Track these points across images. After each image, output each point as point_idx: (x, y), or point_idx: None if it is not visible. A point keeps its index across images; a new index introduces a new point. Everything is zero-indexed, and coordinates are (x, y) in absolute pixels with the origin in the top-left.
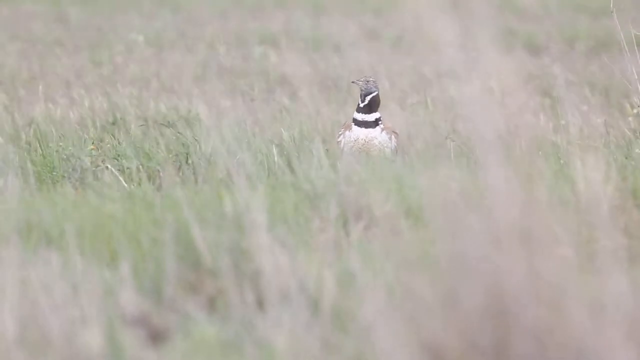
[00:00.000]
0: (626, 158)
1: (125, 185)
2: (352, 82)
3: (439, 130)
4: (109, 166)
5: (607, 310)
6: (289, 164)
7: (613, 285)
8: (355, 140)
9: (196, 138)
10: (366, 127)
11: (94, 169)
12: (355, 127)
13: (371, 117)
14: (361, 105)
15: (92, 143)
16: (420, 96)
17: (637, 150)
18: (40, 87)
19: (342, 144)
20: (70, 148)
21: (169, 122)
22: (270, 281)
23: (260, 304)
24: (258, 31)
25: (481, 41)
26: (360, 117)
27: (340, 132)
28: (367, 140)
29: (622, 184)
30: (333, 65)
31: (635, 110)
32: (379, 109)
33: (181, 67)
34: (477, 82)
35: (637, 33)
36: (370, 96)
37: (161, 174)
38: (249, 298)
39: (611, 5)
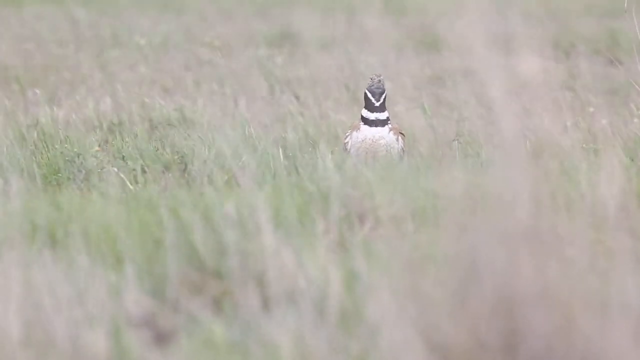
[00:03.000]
0: (632, 160)
1: (130, 186)
2: (378, 79)
3: (445, 132)
4: (114, 168)
5: (614, 311)
6: (295, 166)
7: (620, 287)
8: (362, 140)
9: (201, 139)
10: (377, 126)
11: (99, 170)
12: (363, 127)
13: (384, 115)
14: (377, 104)
15: (98, 145)
16: (426, 97)
17: None
18: (45, 88)
19: (349, 145)
20: (75, 149)
21: (173, 123)
22: (276, 282)
23: (266, 305)
24: (263, 32)
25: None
26: (373, 116)
27: (347, 134)
28: (374, 140)
29: (627, 185)
30: (340, 67)
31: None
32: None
33: (186, 68)
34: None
35: None
36: (385, 94)
37: (166, 175)
38: (254, 299)
39: (625, 5)
